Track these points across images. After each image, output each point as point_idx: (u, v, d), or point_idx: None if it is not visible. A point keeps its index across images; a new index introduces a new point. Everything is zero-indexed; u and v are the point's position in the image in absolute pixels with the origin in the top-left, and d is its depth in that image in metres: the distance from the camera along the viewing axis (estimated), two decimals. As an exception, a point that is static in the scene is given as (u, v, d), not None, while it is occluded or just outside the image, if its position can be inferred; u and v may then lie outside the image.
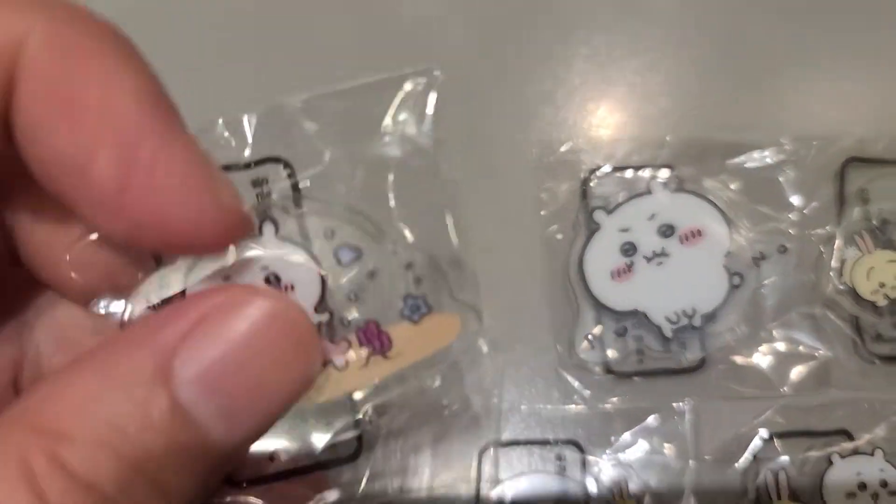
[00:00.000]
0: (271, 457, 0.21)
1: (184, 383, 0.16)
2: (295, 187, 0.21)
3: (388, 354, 0.20)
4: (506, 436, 0.32)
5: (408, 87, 0.22)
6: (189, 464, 0.17)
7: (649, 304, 0.33)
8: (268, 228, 0.20)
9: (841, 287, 0.34)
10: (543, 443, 0.32)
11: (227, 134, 0.21)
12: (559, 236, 0.34)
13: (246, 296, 0.18)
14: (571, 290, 0.34)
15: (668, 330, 0.33)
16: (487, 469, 0.31)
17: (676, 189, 0.34)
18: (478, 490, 0.32)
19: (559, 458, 0.32)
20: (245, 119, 0.21)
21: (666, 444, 0.33)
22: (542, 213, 0.34)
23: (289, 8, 0.37)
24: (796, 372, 0.33)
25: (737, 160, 0.35)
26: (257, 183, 0.21)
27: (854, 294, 0.34)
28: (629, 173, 0.35)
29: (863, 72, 0.37)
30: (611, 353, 0.33)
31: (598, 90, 0.37)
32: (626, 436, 0.33)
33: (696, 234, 0.34)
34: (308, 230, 0.20)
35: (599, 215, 0.34)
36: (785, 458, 0.32)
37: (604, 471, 0.32)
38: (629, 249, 0.33)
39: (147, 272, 0.19)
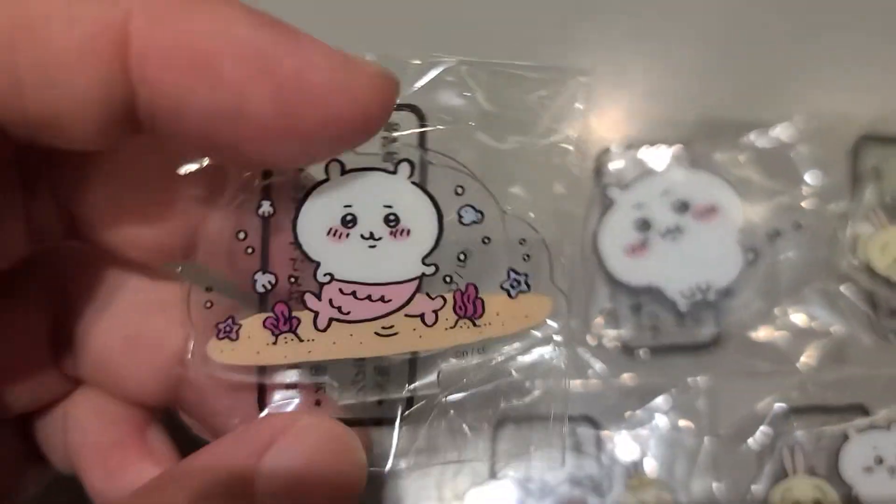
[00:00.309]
0: (317, 401, 0.21)
1: (264, 496, 0.18)
2: (422, 140, 0.21)
3: (478, 322, 0.20)
4: (520, 411, 0.32)
5: (559, 82, 0.22)
6: None
7: (664, 279, 0.33)
8: (403, 169, 0.20)
9: (855, 263, 0.34)
10: (558, 418, 0.32)
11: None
12: (573, 213, 0.34)
13: (301, 424, 0.19)
14: (585, 267, 0.34)
15: (682, 305, 0.33)
16: (502, 444, 0.31)
17: (690, 166, 0.34)
18: (492, 465, 0.32)
19: (574, 434, 0.32)
20: (406, 64, 0.21)
21: (681, 421, 0.33)
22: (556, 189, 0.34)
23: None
24: (811, 347, 0.33)
25: (750, 137, 0.35)
26: (388, 126, 0.20)
27: (869, 269, 0.34)
28: (643, 150, 0.35)
29: (876, 49, 0.37)
30: (625, 330, 0.33)
31: (610, 69, 0.37)
32: (641, 412, 0.33)
33: (711, 210, 0.34)
34: (436, 181, 0.20)
35: (613, 192, 0.34)
36: (800, 434, 0.32)
37: (618, 447, 0.32)
38: (643, 225, 0.33)
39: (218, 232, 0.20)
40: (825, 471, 0.31)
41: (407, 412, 0.22)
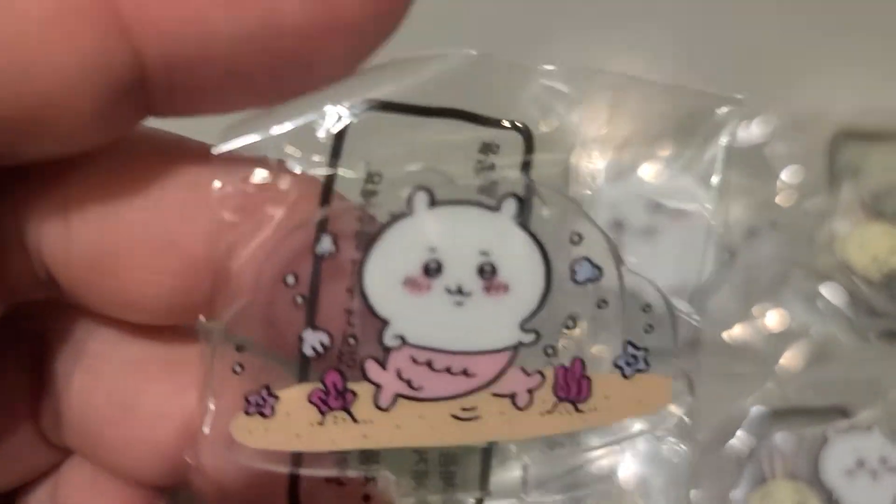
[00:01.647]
0: (366, 496, 0.17)
1: None
2: (526, 167, 0.16)
3: (581, 406, 0.16)
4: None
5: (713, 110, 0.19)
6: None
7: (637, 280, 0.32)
8: (508, 206, 0.16)
9: (833, 261, 0.33)
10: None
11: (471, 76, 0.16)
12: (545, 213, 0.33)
13: None
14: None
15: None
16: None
17: (662, 165, 0.33)
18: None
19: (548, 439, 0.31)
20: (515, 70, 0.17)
21: (658, 425, 0.32)
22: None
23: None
24: (790, 348, 0.33)
25: (724, 134, 0.34)
26: (486, 147, 0.16)
27: (847, 268, 0.33)
28: (615, 149, 0.34)
29: (852, 45, 0.37)
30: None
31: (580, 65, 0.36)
32: (616, 417, 0.32)
33: (685, 209, 0.33)
34: (543, 225, 0.16)
35: (585, 191, 0.33)
36: (780, 437, 0.31)
37: (595, 454, 0.31)
38: (617, 226, 0.33)
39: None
40: (806, 474, 0.31)
41: None
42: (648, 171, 0.33)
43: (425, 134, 0.16)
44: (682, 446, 0.18)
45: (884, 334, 0.33)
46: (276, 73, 0.14)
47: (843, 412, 0.31)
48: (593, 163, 0.34)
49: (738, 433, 0.31)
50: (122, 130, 0.15)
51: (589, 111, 0.18)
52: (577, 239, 0.16)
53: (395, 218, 0.15)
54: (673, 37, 0.37)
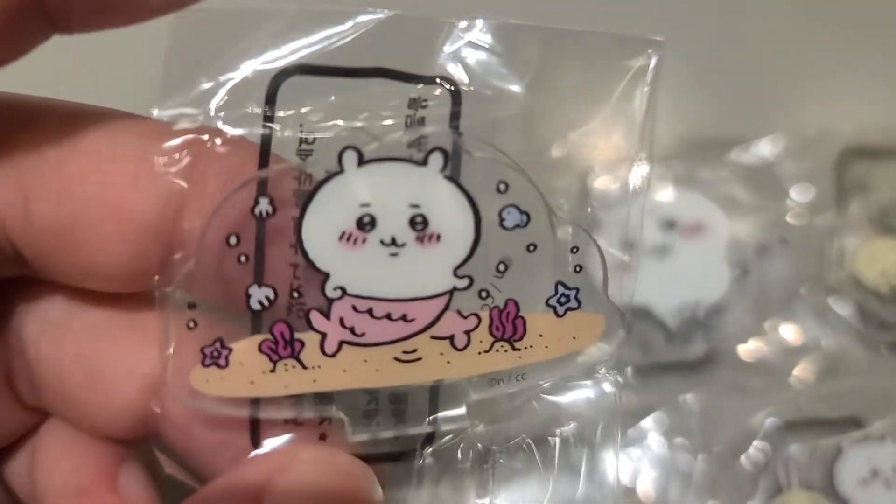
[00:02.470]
0: (322, 435, 0.18)
1: None
2: (454, 119, 0.17)
3: (517, 345, 0.17)
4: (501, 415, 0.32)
5: (631, 58, 0.19)
6: None
7: (652, 298, 0.33)
8: (435, 160, 0.16)
9: (843, 276, 0.34)
10: (548, 439, 0.32)
11: (397, 33, 0.17)
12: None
13: (294, 454, 0.17)
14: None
15: (671, 324, 0.33)
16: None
17: (675, 184, 0.34)
18: (479, 488, 0.31)
19: (565, 454, 0.32)
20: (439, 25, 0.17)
21: (673, 439, 0.32)
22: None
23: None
24: (803, 362, 0.33)
25: (733, 153, 0.35)
26: (413, 103, 0.17)
27: (857, 282, 0.34)
28: (626, 169, 0.35)
29: (857, 63, 0.37)
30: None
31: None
32: (633, 432, 0.32)
33: (697, 227, 0.34)
34: (472, 176, 0.16)
35: (599, 212, 0.34)
36: (795, 448, 0.32)
37: (610, 467, 0.32)
38: (629, 245, 0.33)
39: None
40: (820, 485, 0.31)
41: (429, 448, 0.19)
42: (658, 190, 0.34)
43: (354, 93, 0.17)
44: (619, 377, 0.19)
45: (894, 346, 0.33)
46: None
47: (856, 423, 0.32)
48: (604, 183, 0.35)
49: (754, 445, 0.32)
50: (27, 46, 0.15)
51: (514, 65, 0.18)
52: (503, 188, 0.17)
53: (327, 177, 0.16)
54: (679, 57, 0.38)
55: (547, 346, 0.18)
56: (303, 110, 0.17)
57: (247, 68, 0.17)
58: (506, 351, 0.17)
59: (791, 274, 0.34)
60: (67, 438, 0.20)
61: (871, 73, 0.38)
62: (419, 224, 0.16)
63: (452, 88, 0.17)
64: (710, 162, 0.35)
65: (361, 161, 0.16)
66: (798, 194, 0.35)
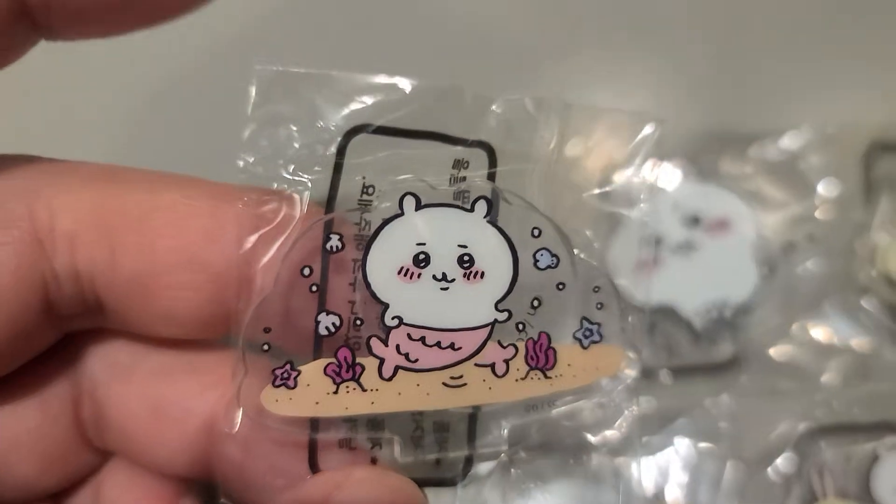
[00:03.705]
0: (373, 459, 0.20)
1: None
2: (491, 178, 0.20)
3: (549, 373, 0.19)
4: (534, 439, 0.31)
5: (634, 127, 0.22)
6: None
7: (678, 297, 0.32)
8: (480, 207, 0.19)
9: (874, 274, 0.32)
10: (574, 446, 0.31)
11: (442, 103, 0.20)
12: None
13: (349, 475, 0.18)
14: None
15: (698, 324, 0.31)
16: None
17: (698, 179, 0.33)
18: (505, 498, 0.30)
19: (590, 462, 0.31)
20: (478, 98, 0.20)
21: (701, 444, 0.31)
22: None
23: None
24: (834, 363, 0.32)
25: (758, 148, 0.34)
26: (457, 164, 0.19)
27: (888, 280, 0.32)
28: (649, 165, 0.33)
29: (883, 56, 0.36)
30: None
31: (614, 83, 0.36)
32: (660, 437, 0.31)
33: (722, 224, 0.32)
34: (509, 222, 0.19)
35: (620, 208, 0.32)
36: (829, 454, 0.30)
37: (637, 475, 0.31)
38: (654, 242, 0.32)
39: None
40: (857, 492, 0.30)
41: (470, 471, 0.21)
42: (682, 185, 0.33)
43: (407, 153, 0.20)
44: (635, 406, 0.22)
45: (929, 347, 0.32)
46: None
47: (891, 427, 0.31)
48: (629, 181, 0.34)
49: (786, 451, 0.31)
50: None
51: (545, 131, 0.21)
52: (536, 233, 0.19)
53: (390, 218, 0.19)
54: (701, 52, 0.36)
55: (575, 375, 0.20)
56: (364, 164, 0.20)
57: (318, 126, 0.20)
58: (539, 379, 0.19)
59: (820, 272, 0.33)
60: (130, 476, 0.21)
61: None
62: (466, 262, 0.19)
63: (489, 150, 0.20)
64: (734, 157, 0.34)
65: (419, 206, 0.19)
66: (825, 189, 0.34)
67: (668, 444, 0.31)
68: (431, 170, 0.20)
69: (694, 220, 0.32)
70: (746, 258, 0.32)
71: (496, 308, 0.19)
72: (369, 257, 0.18)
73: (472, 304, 0.19)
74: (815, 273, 0.33)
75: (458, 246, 0.19)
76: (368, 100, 0.19)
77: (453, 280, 0.19)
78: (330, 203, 0.19)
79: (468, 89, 0.20)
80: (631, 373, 0.21)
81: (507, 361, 0.19)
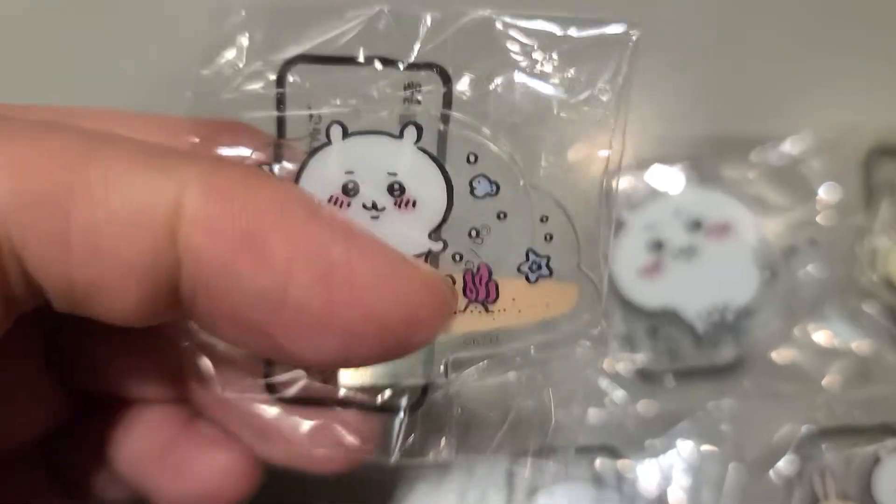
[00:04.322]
0: (324, 379, 0.19)
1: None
2: (447, 100, 0.18)
3: (491, 308, 0.18)
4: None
5: (605, 39, 0.20)
6: None
7: (680, 301, 0.32)
8: (409, 133, 0.18)
9: (875, 278, 0.33)
10: (576, 449, 0.31)
11: (393, 26, 0.19)
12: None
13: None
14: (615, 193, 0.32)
15: (700, 327, 0.32)
16: (520, 479, 0.30)
17: (700, 184, 0.33)
18: (509, 501, 0.30)
19: (593, 465, 0.31)
20: (425, 18, 0.19)
21: (704, 447, 0.31)
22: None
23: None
24: (835, 367, 0.32)
25: (759, 152, 0.34)
26: (409, 86, 0.19)
27: (889, 284, 0.33)
28: (651, 169, 0.34)
29: (883, 60, 0.37)
30: (642, 355, 0.32)
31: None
32: (662, 440, 0.31)
33: (724, 228, 0.33)
34: (448, 148, 0.18)
35: (623, 212, 0.33)
36: (830, 457, 0.31)
37: (640, 477, 0.31)
38: (656, 246, 0.32)
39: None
40: (858, 495, 0.30)
41: (412, 403, 0.20)
42: (684, 189, 0.33)
43: (355, 80, 0.19)
44: (600, 350, 0.19)
45: (930, 350, 0.32)
46: (277, 341, 0.16)
47: (892, 430, 0.31)
48: (627, 184, 0.34)
49: (788, 453, 0.31)
50: (159, 319, 0.17)
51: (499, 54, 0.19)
52: (472, 159, 0.18)
53: (317, 148, 0.18)
54: (701, 57, 0.37)
55: (520, 311, 0.18)
56: (312, 94, 0.19)
57: (257, 60, 0.19)
58: (480, 313, 0.18)
59: (821, 276, 0.33)
60: (136, 414, 0.21)
61: (896, 71, 0.37)
62: (396, 191, 0.18)
63: (443, 74, 0.19)
64: (735, 162, 0.34)
65: (346, 135, 0.18)
66: (826, 194, 0.34)
67: (670, 447, 0.31)
68: (376, 96, 0.19)
69: (696, 225, 0.33)
70: (748, 262, 0.32)
71: (430, 237, 0.18)
72: (300, 186, 0.18)
73: (405, 234, 0.18)
74: (817, 277, 0.33)
75: (388, 174, 0.18)
76: (304, 30, 0.19)
77: (383, 209, 0.18)
78: (280, 133, 0.19)
79: (417, 9, 0.19)
80: (595, 322, 0.19)
81: None
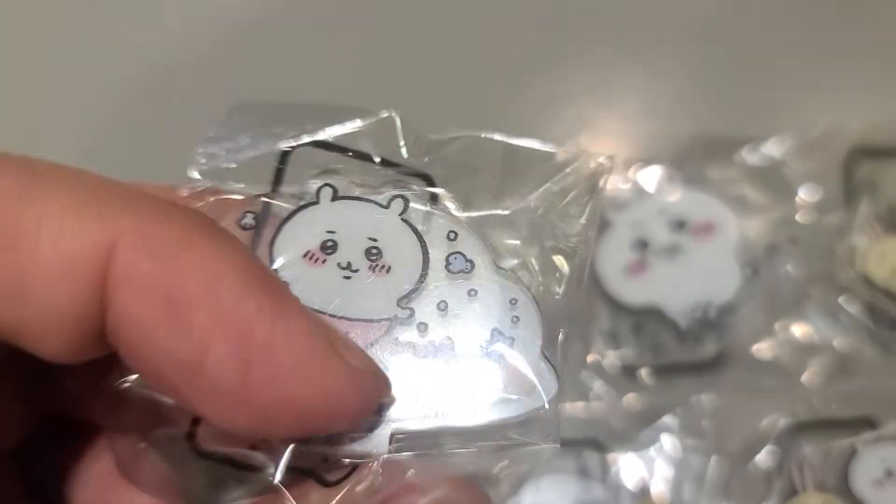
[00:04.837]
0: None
1: None
2: (434, 200, 0.19)
3: None
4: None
5: (580, 165, 0.21)
6: None
7: (664, 299, 0.33)
8: (396, 205, 0.19)
9: (854, 275, 0.34)
10: (562, 442, 0.32)
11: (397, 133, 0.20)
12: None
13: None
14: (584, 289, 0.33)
15: (683, 324, 0.33)
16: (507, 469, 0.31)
17: (684, 184, 0.34)
18: (496, 493, 0.31)
19: (579, 457, 0.32)
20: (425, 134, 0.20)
21: (686, 440, 0.32)
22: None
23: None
24: (814, 362, 0.33)
25: (742, 154, 0.35)
26: (398, 183, 0.20)
27: (867, 281, 0.33)
28: (636, 170, 0.34)
29: (862, 62, 0.37)
30: (626, 350, 0.33)
31: (600, 90, 0.37)
32: (646, 433, 0.32)
33: (707, 227, 0.34)
34: (431, 227, 0.19)
35: (609, 212, 0.34)
36: (808, 449, 0.31)
37: (624, 469, 0.32)
38: (641, 245, 0.33)
39: None
40: (835, 486, 0.31)
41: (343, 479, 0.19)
42: (668, 190, 0.34)
43: (350, 166, 0.19)
44: (544, 444, 0.19)
45: (906, 345, 0.33)
46: (194, 406, 0.16)
47: (869, 423, 0.32)
48: (613, 184, 0.35)
49: (767, 446, 0.32)
50: (90, 356, 0.16)
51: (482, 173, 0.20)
52: (453, 236, 0.19)
53: (304, 204, 0.19)
54: (686, 59, 0.37)
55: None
56: (306, 176, 0.20)
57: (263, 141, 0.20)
58: None
59: (801, 273, 0.34)
60: (89, 438, 0.20)
61: (877, 73, 0.37)
62: (374, 254, 0.18)
63: (428, 179, 0.19)
64: (718, 162, 0.35)
65: (335, 197, 0.19)
66: (806, 194, 0.35)
67: (654, 440, 0.32)
68: (369, 186, 0.20)
69: (680, 224, 0.33)
70: (730, 260, 0.33)
71: (398, 304, 0.18)
72: (278, 237, 0.18)
73: (375, 297, 0.18)
74: (797, 274, 0.34)
75: (368, 238, 0.19)
76: (315, 114, 0.20)
77: (357, 270, 0.18)
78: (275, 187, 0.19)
79: (411, 124, 0.20)
80: (544, 398, 0.18)
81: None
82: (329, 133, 0.20)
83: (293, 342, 0.15)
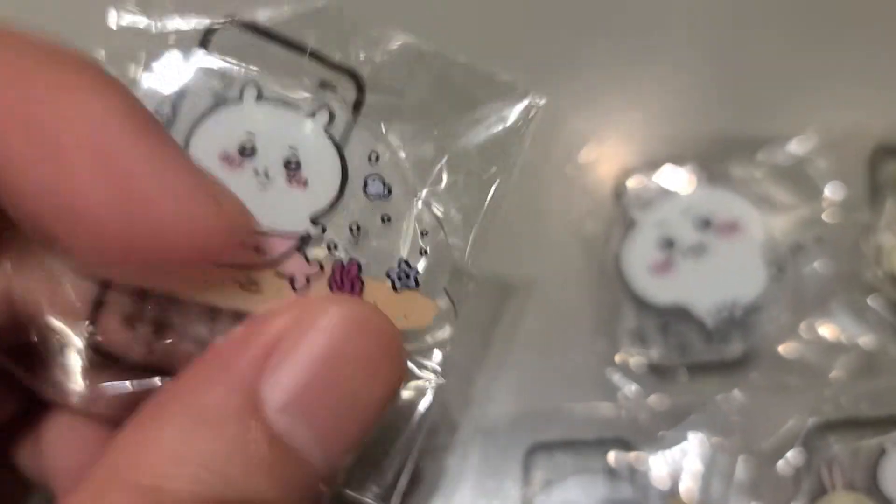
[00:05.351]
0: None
1: (275, 412, 0.16)
2: (357, 106, 0.19)
3: None
4: (552, 436, 0.32)
5: (511, 99, 0.20)
6: (293, 495, 0.16)
7: (690, 297, 0.33)
8: (321, 115, 0.18)
9: (880, 274, 0.33)
10: (590, 442, 0.32)
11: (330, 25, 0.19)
12: (595, 234, 0.34)
13: (318, 307, 0.16)
14: (610, 288, 0.33)
15: (709, 323, 0.33)
16: (536, 471, 0.31)
17: (708, 183, 0.34)
18: (524, 493, 0.31)
19: (607, 456, 0.32)
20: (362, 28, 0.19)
21: (714, 440, 0.32)
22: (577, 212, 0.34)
23: None
24: (842, 360, 0.33)
25: (766, 152, 0.35)
26: (324, 84, 0.19)
27: (893, 280, 0.33)
28: (661, 169, 0.34)
29: (886, 59, 0.37)
30: (653, 350, 0.33)
31: (623, 90, 0.37)
32: (674, 433, 0.32)
33: (732, 226, 0.34)
34: (352, 142, 0.18)
35: (634, 211, 0.34)
36: (837, 448, 0.31)
37: (652, 469, 0.32)
38: (666, 244, 0.33)
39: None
40: (864, 485, 0.31)
41: None
42: (693, 189, 0.34)
43: (277, 55, 0.19)
44: (441, 378, 0.19)
45: (934, 344, 0.33)
46: (73, 250, 0.16)
47: (897, 422, 0.32)
48: (638, 183, 0.35)
49: (796, 445, 0.32)
50: None
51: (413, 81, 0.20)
52: (374, 158, 0.18)
53: (226, 102, 0.18)
54: (709, 59, 0.37)
55: None
56: (232, 56, 0.19)
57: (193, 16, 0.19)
58: None
59: (827, 272, 0.34)
60: (72, 423, 0.20)
61: (900, 71, 0.37)
62: (292, 166, 0.18)
63: (357, 82, 0.19)
64: (743, 161, 0.35)
65: (259, 98, 0.18)
66: (832, 192, 0.35)
67: (681, 439, 0.32)
68: (295, 81, 0.19)
69: (705, 223, 0.33)
70: (756, 259, 0.33)
71: (311, 221, 0.18)
72: (195, 134, 0.18)
73: (287, 210, 0.18)
74: (823, 273, 0.34)
75: (289, 147, 0.18)
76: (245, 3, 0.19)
77: (273, 179, 0.18)
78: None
79: (348, 15, 0.19)
80: (440, 334, 0.19)
81: (308, 278, 0.18)
82: (260, 15, 0.19)
83: (167, 181, 0.15)
